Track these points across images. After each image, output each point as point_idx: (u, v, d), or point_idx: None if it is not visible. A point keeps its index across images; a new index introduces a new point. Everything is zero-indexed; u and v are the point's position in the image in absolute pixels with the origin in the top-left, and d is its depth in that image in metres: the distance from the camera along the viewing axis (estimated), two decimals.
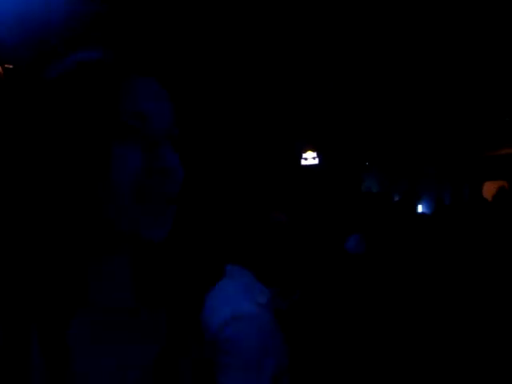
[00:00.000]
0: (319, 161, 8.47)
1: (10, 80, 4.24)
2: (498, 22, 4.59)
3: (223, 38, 4.41)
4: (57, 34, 3.98)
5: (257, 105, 5.89)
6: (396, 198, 6.88)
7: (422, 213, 4.46)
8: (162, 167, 0.59)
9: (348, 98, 6.72)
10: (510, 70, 5.65)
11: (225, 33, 4.36)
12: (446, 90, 6.45)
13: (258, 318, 1.37)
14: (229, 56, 4.76)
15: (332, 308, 1.92)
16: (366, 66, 5.70)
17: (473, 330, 2.01)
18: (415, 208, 5.37)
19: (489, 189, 8.47)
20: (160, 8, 3.90)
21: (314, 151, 8.51)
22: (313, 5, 4.22)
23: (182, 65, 4.19)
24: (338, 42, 5.03)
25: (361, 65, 5.65)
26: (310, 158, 8.49)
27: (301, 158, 8.39)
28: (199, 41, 4.35)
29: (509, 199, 5.05)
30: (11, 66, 4.21)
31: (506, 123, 7.83)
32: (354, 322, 1.89)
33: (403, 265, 2.22)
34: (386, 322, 1.95)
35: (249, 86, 5.52)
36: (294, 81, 5.83)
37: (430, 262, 2.26)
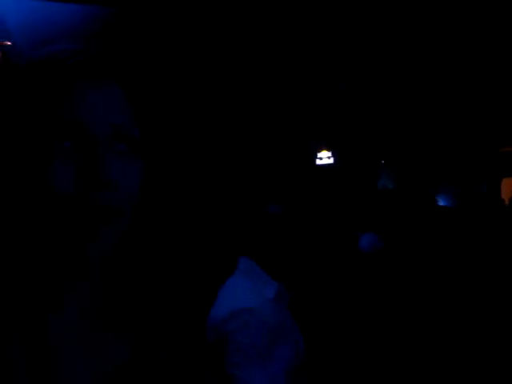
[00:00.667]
0: (334, 160, 8.42)
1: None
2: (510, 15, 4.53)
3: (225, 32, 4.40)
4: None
5: (270, 104, 5.88)
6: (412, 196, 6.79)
7: (440, 207, 4.39)
8: (98, 178, 0.55)
9: (362, 97, 6.67)
10: None
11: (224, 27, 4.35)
12: (461, 86, 6.37)
13: (262, 310, 1.40)
14: (240, 52, 4.75)
15: (342, 306, 1.90)
16: (380, 65, 5.65)
17: (482, 326, 1.97)
18: (432, 203, 5.30)
19: (507, 185, 8.37)
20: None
21: (328, 151, 8.47)
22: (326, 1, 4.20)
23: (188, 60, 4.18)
24: (351, 40, 5.00)
25: (375, 63, 5.61)
26: (324, 157, 8.45)
27: (316, 157, 8.36)
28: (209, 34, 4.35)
29: None
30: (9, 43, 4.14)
31: None
32: (364, 320, 1.87)
33: (419, 262, 2.19)
34: (397, 321, 1.92)
35: (263, 85, 5.52)
36: (308, 79, 5.81)
37: (445, 260, 2.23)
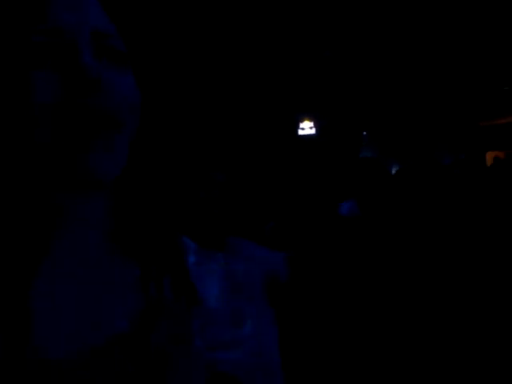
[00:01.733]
0: (316, 131, 8.41)
1: None
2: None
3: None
4: None
5: (253, 78, 5.81)
6: (394, 167, 6.86)
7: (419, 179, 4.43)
8: (83, 79, 0.49)
9: (345, 68, 6.63)
10: (507, 40, 5.58)
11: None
12: (443, 60, 6.37)
13: None
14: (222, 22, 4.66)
15: (326, 274, 1.91)
16: (362, 37, 5.61)
17: (462, 301, 2.00)
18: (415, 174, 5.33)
19: (491, 158, 8.47)
20: None
21: (310, 121, 8.45)
22: None
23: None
24: (336, 10, 4.93)
25: (357, 35, 5.56)
26: (307, 127, 8.44)
27: (298, 127, 8.34)
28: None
29: (506, 169, 5.04)
30: None
31: (505, 92, 7.76)
32: (347, 288, 1.89)
33: (400, 228, 2.21)
34: (379, 290, 1.94)
35: (247, 52, 5.43)
36: (292, 51, 5.74)
37: (427, 227, 2.25)
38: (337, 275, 1.89)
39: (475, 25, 5.30)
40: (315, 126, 8.36)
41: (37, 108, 0.49)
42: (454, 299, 2.01)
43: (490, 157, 8.49)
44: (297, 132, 8.34)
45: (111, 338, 0.54)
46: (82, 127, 0.49)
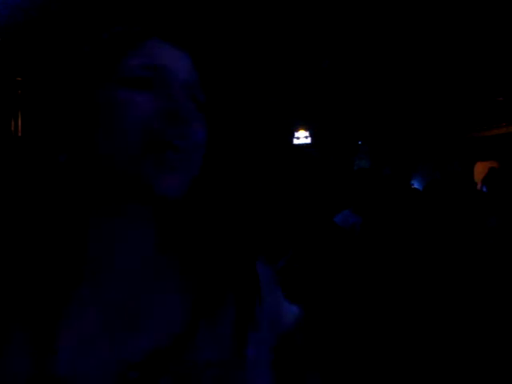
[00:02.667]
0: (311, 140, 8.46)
1: None
2: (487, 3, 4.57)
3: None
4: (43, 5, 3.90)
5: (250, 86, 5.84)
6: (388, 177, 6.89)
7: (414, 188, 4.48)
8: (174, 109, 0.56)
9: (342, 77, 6.68)
10: (500, 51, 5.64)
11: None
12: (437, 71, 6.42)
13: None
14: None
15: (324, 280, 1.93)
16: (358, 47, 5.66)
17: (458, 304, 2.03)
18: (407, 183, 5.37)
19: (480, 169, 8.54)
20: None
21: (306, 130, 8.49)
22: None
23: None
24: (330, 22, 4.98)
25: (356, 45, 5.61)
26: (302, 137, 8.48)
27: (293, 136, 8.38)
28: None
29: (499, 179, 5.08)
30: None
31: (498, 103, 7.84)
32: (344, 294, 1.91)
33: (395, 238, 2.24)
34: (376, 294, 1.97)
35: (244, 66, 5.46)
36: (290, 58, 5.78)
37: (421, 236, 2.28)
38: (334, 286, 1.91)
39: (467, 37, 5.37)
40: (310, 135, 8.40)
41: (119, 131, 0.55)
42: (450, 303, 2.04)
43: (479, 167, 8.56)
44: (292, 141, 8.37)
45: (149, 352, 0.56)
46: (160, 152, 0.56)
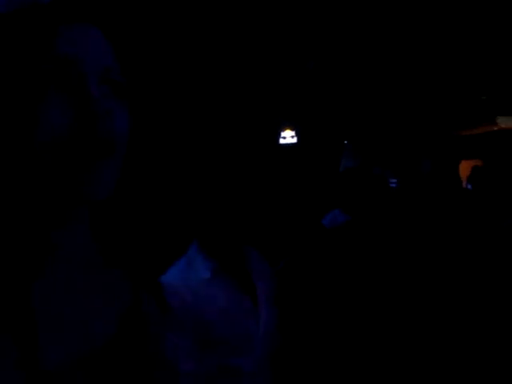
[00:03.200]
0: (298, 139, 8.46)
1: None
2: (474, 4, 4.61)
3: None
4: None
5: (235, 86, 5.82)
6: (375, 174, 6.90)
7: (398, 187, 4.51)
8: (91, 109, 0.54)
9: (327, 77, 6.69)
10: (485, 49, 5.69)
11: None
12: (421, 69, 6.47)
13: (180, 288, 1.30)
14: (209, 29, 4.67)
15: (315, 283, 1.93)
16: (345, 46, 5.67)
17: (448, 301, 2.03)
18: (390, 182, 5.39)
19: (465, 167, 8.62)
20: None
21: (292, 130, 8.49)
22: None
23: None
24: (318, 20, 4.98)
25: (340, 44, 5.62)
26: (288, 136, 8.47)
27: (279, 136, 8.37)
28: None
29: (483, 177, 5.13)
30: None
31: (482, 102, 7.92)
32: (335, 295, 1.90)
33: (382, 237, 2.24)
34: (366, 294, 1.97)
35: (231, 61, 5.45)
36: (274, 60, 5.78)
37: (409, 235, 2.29)
38: (325, 285, 1.90)
39: (450, 36, 5.41)
40: (297, 134, 8.40)
41: (46, 128, 0.53)
42: (437, 300, 2.04)
43: (463, 166, 8.64)
44: (278, 141, 8.37)
45: (98, 347, 0.57)
46: (84, 151, 0.54)
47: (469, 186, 5.45)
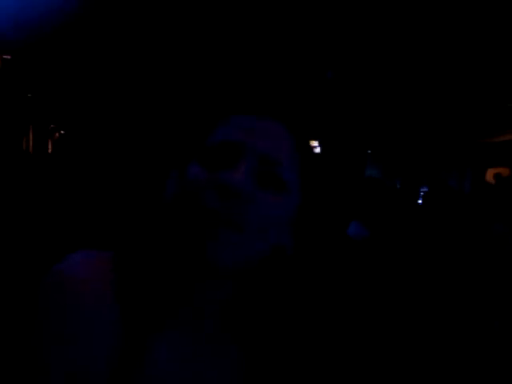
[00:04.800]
0: (321, 150, 8.45)
1: (8, 71, 4.24)
2: (497, 10, 4.55)
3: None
4: (54, 23, 3.97)
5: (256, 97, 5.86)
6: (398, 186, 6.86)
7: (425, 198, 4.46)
8: (219, 184, 0.58)
9: (349, 87, 6.69)
10: (510, 56, 5.62)
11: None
12: (447, 77, 6.41)
13: None
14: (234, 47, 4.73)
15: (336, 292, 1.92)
16: (367, 55, 5.66)
17: (466, 318, 2.01)
18: (417, 194, 5.34)
19: (491, 175, 8.48)
20: None
21: (315, 140, 8.48)
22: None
23: None
24: (339, 31, 5.00)
25: (362, 54, 5.62)
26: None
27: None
28: None
29: (508, 186, 5.04)
30: (9, 57, 4.22)
31: (508, 109, 7.79)
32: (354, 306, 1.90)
33: (405, 249, 2.22)
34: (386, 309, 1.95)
35: (250, 74, 5.49)
36: (296, 68, 5.81)
37: (433, 247, 2.27)
38: (349, 297, 1.90)
39: (478, 43, 5.35)
40: (320, 145, 8.39)
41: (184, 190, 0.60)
42: (459, 312, 2.02)
43: (490, 173, 8.49)
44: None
45: None
46: (204, 223, 0.57)
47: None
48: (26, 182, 2.43)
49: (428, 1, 4.38)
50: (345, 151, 8.29)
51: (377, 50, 5.50)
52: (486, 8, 4.55)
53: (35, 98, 6.16)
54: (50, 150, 7.00)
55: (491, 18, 4.74)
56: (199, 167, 0.59)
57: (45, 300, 0.59)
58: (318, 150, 8.46)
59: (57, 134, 7.52)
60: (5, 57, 4.18)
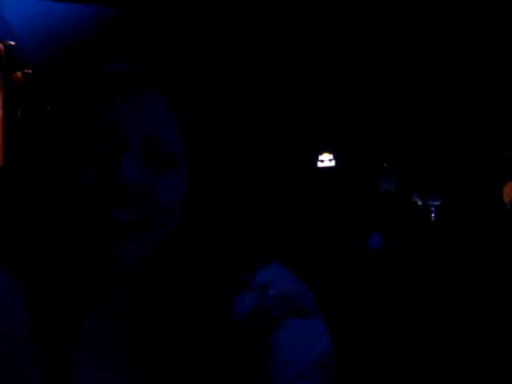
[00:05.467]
0: (336, 163, 8.44)
1: (30, 84, 4.33)
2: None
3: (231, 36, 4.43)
4: (74, 41, 4.05)
5: (273, 107, 5.89)
6: (414, 199, 6.80)
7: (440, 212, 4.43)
8: (119, 189, 0.55)
9: (365, 98, 6.69)
10: None
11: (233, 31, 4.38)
12: (467, 90, 6.38)
13: None
14: (242, 57, 4.77)
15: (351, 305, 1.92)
16: (383, 67, 5.67)
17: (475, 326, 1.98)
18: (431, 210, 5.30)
19: (510, 189, 8.37)
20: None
21: (330, 153, 8.49)
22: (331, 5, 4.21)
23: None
24: (356, 42, 5.01)
25: (378, 64, 5.62)
26: (326, 159, 8.47)
27: (317, 160, 8.38)
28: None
29: None
30: (30, 71, 4.31)
31: None
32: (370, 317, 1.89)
33: (421, 262, 2.21)
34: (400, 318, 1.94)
35: (266, 88, 5.53)
36: (311, 79, 5.83)
37: (447, 261, 2.25)
38: (368, 309, 1.89)
39: (498, 54, 5.33)
40: (335, 158, 8.39)
41: (77, 193, 0.56)
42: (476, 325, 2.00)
43: (509, 187, 8.38)
44: (316, 164, 8.37)
45: None
46: (107, 226, 0.56)
47: None
48: None
49: (446, 12, 4.38)
50: (360, 164, 8.27)
51: (394, 61, 5.51)
52: (500, 22, 4.54)
53: (54, 111, 6.26)
54: None
55: (506, 34, 4.73)
56: (85, 167, 0.56)
57: None
58: (332, 163, 8.45)
59: None
60: (26, 71, 4.26)
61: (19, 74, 4.29)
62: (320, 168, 8.39)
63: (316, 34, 4.70)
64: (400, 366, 1.82)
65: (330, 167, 8.45)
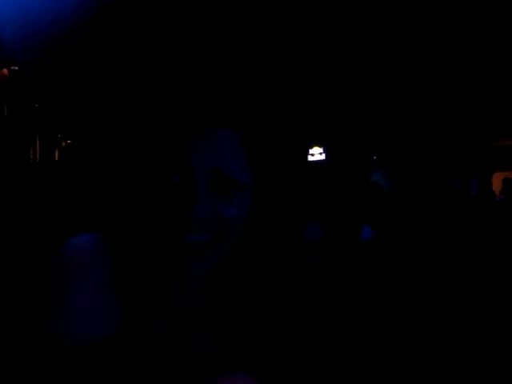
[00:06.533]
0: (326, 156, 8.47)
1: (16, 81, 4.29)
2: (505, 13, 4.56)
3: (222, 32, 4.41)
4: (60, 35, 4.02)
5: (261, 103, 5.88)
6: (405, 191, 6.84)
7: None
8: (187, 218, 0.64)
9: (354, 92, 6.70)
10: None
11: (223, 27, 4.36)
12: (452, 81, 6.41)
13: None
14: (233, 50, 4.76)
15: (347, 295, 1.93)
16: (371, 60, 5.68)
17: (470, 321, 2.00)
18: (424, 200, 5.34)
19: (499, 180, 8.45)
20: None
21: (320, 147, 8.51)
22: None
23: None
24: (344, 36, 5.02)
25: (366, 59, 5.63)
26: (316, 153, 8.49)
27: (307, 153, 8.40)
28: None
29: None
30: (16, 68, 4.27)
31: None
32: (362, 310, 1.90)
33: (412, 253, 2.23)
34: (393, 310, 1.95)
35: (256, 83, 5.51)
36: (300, 73, 5.83)
37: (436, 250, 2.27)
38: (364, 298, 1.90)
39: (484, 48, 5.35)
40: (325, 151, 8.41)
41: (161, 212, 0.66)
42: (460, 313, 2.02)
43: (497, 178, 8.47)
44: (306, 158, 8.39)
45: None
46: (185, 248, 0.65)
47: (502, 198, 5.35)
48: (32, 189, 2.48)
49: (436, 6, 4.39)
50: (350, 158, 8.30)
51: (382, 54, 5.52)
52: (495, 12, 4.56)
53: (42, 109, 6.20)
54: (56, 158, 7.06)
55: (506, 22, 4.75)
56: (164, 191, 0.65)
57: (51, 272, 0.67)
58: (323, 156, 8.48)
59: (63, 144, 7.57)
60: (12, 68, 4.22)
61: (5, 70, 4.25)
62: (310, 162, 8.41)
63: (304, 28, 4.70)
64: (394, 354, 1.83)
65: (321, 161, 8.48)
